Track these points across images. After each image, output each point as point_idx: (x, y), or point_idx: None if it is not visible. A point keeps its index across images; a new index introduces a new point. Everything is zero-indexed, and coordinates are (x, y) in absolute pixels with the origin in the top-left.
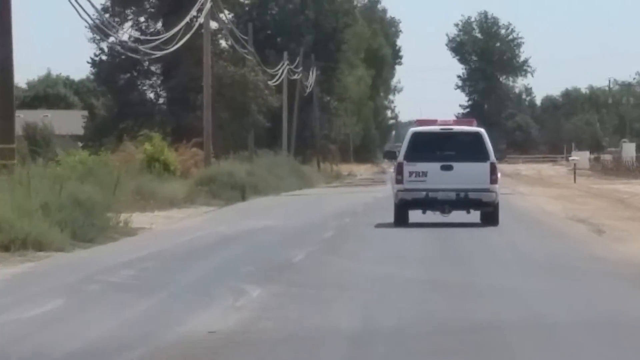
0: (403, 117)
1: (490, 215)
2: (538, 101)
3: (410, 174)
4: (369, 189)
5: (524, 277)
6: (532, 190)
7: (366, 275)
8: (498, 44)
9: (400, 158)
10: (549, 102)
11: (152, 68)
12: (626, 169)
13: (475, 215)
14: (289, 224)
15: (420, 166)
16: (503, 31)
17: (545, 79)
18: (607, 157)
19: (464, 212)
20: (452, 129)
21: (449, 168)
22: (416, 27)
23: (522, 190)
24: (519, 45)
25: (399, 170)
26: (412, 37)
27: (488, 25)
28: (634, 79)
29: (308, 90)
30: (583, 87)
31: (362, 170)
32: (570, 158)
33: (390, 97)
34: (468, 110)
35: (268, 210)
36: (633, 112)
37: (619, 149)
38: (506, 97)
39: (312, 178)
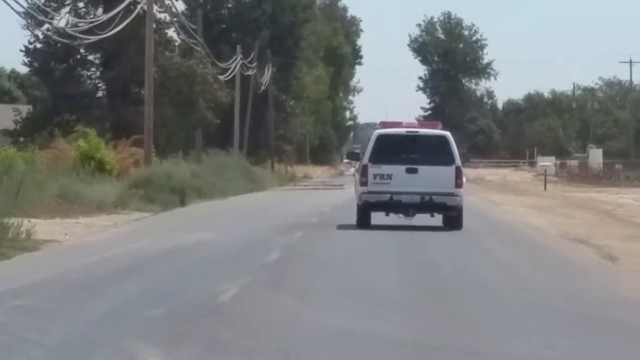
0: (362, 119)
1: (454, 220)
2: (500, 105)
3: (375, 176)
4: (325, 194)
5: (548, 338)
6: (505, 198)
7: (320, 330)
8: (461, 45)
9: (365, 160)
10: (511, 105)
11: (91, 58)
12: (593, 176)
13: (439, 219)
14: (227, 238)
15: (385, 169)
16: (466, 32)
17: (507, 82)
18: (573, 163)
19: (427, 215)
20: (417, 131)
21: (414, 171)
22: (377, 26)
23: (493, 198)
24: (482, 47)
25: (364, 172)
26: (373, 37)
27: (451, 26)
28: (596, 84)
29: (263, 88)
30: (545, 92)
31: (319, 172)
32: (540, 164)
33: (350, 97)
34: (429, 112)
35: (207, 219)
36: (596, 117)
37: (586, 155)
38: (468, 99)
39: (264, 180)
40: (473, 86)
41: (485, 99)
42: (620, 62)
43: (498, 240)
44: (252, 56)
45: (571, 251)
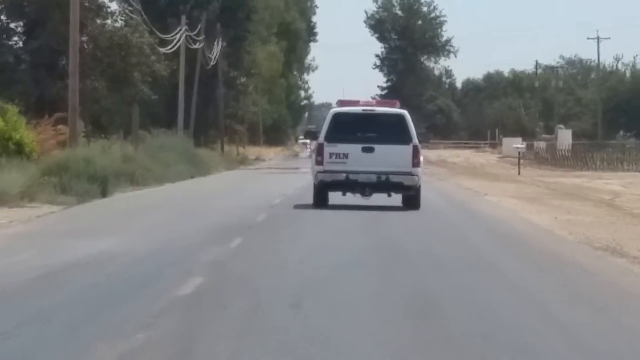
0: (317, 99)
1: (411, 199)
2: (458, 84)
3: (331, 155)
4: (278, 179)
5: None
6: (481, 185)
7: None
8: (419, 22)
9: (321, 139)
10: (471, 85)
11: (13, 26)
12: (564, 158)
13: (397, 199)
14: (136, 249)
15: (341, 147)
16: (425, 9)
17: (465, 61)
18: (541, 144)
19: (385, 195)
20: (374, 110)
21: (370, 150)
22: (332, 2)
23: (467, 184)
24: (441, 24)
25: (319, 151)
26: (328, 13)
27: (409, 1)
28: (558, 62)
29: (212, 63)
30: (505, 71)
31: (272, 154)
32: (514, 145)
33: (304, 76)
34: (386, 91)
35: (125, 216)
36: (558, 97)
37: (554, 136)
38: (427, 78)
39: (209, 163)
40: (432, 64)
41: (444, 78)
42: (588, 38)
43: (506, 252)
44: (198, 28)
45: (614, 271)
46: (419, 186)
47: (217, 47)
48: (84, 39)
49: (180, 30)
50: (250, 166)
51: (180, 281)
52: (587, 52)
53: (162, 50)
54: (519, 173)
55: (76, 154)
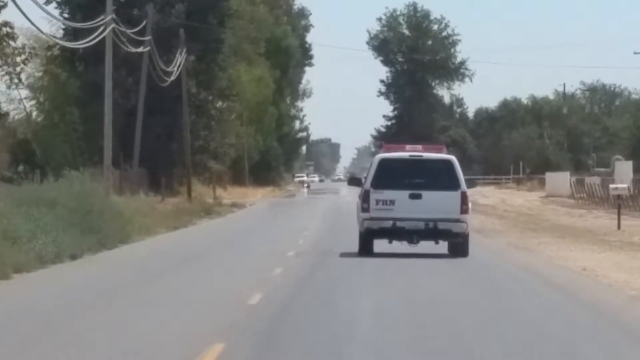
0: (315, 133)
1: (459, 247)
2: (469, 113)
3: (377, 202)
4: (254, 245)
5: None
6: (595, 260)
7: None
8: (429, 42)
9: (367, 185)
10: (484, 114)
11: None
12: (631, 199)
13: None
14: None
15: (388, 194)
16: (435, 27)
17: (476, 87)
18: (593, 180)
19: (432, 243)
20: (421, 155)
21: (418, 197)
22: (330, 20)
23: (570, 259)
24: (454, 43)
25: (365, 198)
26: (325, 33)
27: (417, 19)
28: (577, 89)
29: (172, 79)
30: (524, 97)
31: (260, 195)
32: (611, 186)
33: (298, 103)
34: (393, 121)
35: None
36: (583, 125)
37: (611, 170)
38: (439, 106)
39: (133, 222)
40: (444, 90)
41: (454, 107)
42: (635, 52)
43: None
44: (143, 24)
45: None
46: (468, 233)
47: (181, 59)
48: None
49: (104, 19)
50: (217, 216)
51: None
52: (609, 79)
53: (74, 45)
54: (619, 227)
55: None
